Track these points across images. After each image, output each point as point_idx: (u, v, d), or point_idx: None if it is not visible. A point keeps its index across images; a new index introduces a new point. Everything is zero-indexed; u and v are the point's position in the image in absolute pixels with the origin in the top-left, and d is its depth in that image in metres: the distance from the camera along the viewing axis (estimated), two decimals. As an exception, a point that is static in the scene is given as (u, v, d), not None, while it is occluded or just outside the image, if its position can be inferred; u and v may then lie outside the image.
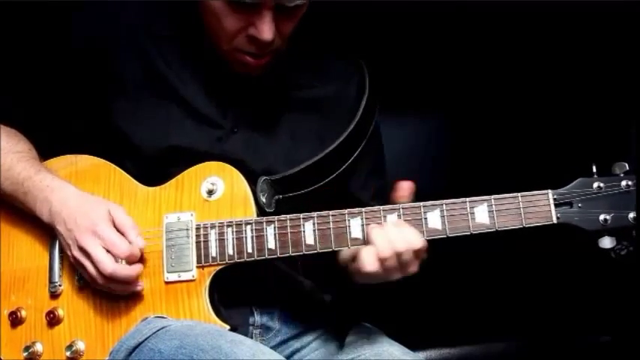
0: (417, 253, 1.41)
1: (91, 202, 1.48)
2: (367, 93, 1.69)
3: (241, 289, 1.55)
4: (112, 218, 1.46)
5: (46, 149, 1.62)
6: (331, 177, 1.62)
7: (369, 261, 1.40)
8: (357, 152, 1.67)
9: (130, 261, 1.45)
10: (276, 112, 1.65)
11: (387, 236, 1.40)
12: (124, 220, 1.47)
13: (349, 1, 2.16)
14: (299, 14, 1.50)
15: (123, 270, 1.43)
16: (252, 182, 1.53)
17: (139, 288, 1.47)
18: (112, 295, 1.48)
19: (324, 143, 1.64)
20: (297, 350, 1.66)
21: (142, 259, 1.48)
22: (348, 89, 1.71)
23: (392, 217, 1.44)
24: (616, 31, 2.32)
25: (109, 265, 1.41)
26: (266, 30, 1.44)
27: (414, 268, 1.43)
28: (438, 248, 1.43)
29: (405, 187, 1.51)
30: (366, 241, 1.43)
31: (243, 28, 1.47)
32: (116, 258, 1.43)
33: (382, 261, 1.39)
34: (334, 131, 1.65)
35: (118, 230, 1.45)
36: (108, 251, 1.42)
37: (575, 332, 2.30)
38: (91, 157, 1.60)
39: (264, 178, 1.54)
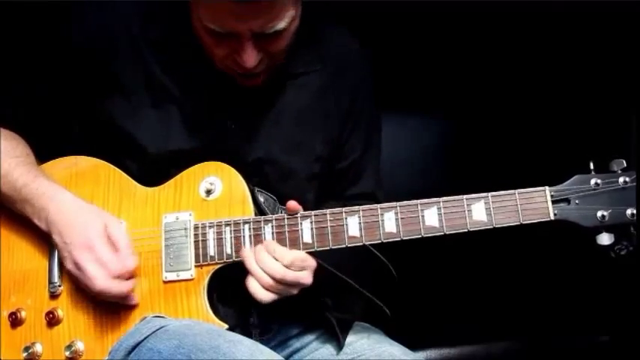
0: (298, 267, 1.44)
1: (88, 213, 1.49)
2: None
3: (240, 289, 1.54)
4: (108, 234, 1.46)
5: (47, 150, 1.62)
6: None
7: (259, 292, 1.44)
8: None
9: (123, 278, 1.45)
10: (276, 101, 1.64)
11: (262, 266, 1.44)
12: (118, 237, 1.47)
13: (351, 1, 2.16)
14: (284, 35, 1.48)
15: (113, 287, 1.44)
16: (256, 172, 1.55)
17: (133, 302, 1.48)
18: (111, 295, 1.49)
19: (326, 124, 1.66)
20: (297, 350, 1.66)
21: (135, 272, 1.48)
22: (347, 65, 1.71)
23: (389, 215, 1.44)
24: (612, 31, 2.32)
25: (99, 283, 1.42)
26: (247, 58, 1.45)
27: (306, 280, 1.46)
28: (438, 249, 1.43)
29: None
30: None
31: (230, 53, 1.48)
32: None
33: (269, 289, 1.44)
34: (336, 110, 1.68)
35: (112, 245, 1.46)
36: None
37: (575, 332, 2.31)
38: (91, 158, 1.60)
39: (258, 189, 1.55)
